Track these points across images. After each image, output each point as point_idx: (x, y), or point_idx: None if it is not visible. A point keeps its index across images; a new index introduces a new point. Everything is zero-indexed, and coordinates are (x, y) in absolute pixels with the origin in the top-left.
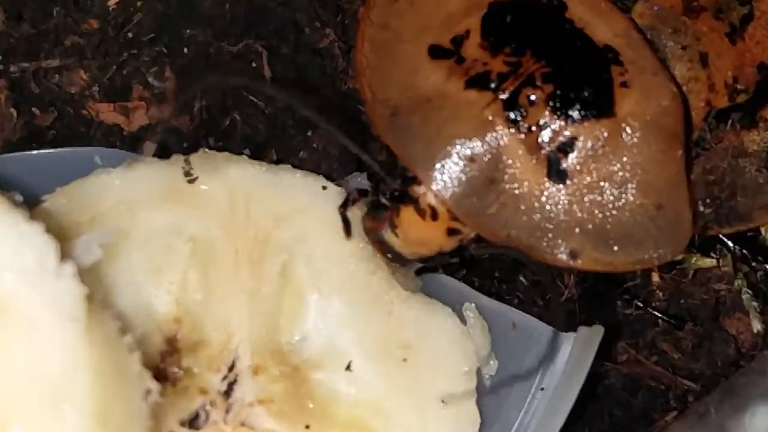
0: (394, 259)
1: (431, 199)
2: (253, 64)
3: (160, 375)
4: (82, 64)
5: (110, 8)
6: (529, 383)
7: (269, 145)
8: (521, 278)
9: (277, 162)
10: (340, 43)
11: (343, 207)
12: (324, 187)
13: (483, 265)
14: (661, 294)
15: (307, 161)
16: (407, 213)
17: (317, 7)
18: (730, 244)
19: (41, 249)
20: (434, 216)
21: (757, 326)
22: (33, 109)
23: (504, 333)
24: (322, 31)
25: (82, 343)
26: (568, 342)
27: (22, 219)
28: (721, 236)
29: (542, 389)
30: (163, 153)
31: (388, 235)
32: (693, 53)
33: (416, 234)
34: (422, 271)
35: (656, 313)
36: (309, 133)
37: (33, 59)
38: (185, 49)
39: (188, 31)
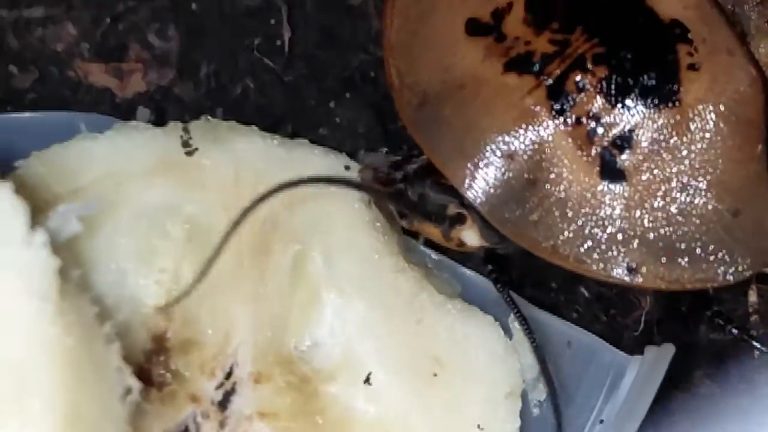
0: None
1: (467, 239)
2: (272, 21)
3: (144, 377)
4: (70, 16)
5: None
6: (586, 413)
7: (286, 119)
8: (582, 289)
9: (293, 136)
10: (376, 1)
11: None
12: (347, 167)
13: (537, 272)
14: (757, 317)
15: (328, 137)
16: (431, 229)
17: None
18: None
19: (7, 212)
20: (460, 245)
21: None
22: (11, 67)
23: (558, 352)
24: None
25: (52, 326)
26: (634, 366)
27: None
28: None
29: (601, 421)
30: (159, 120)
31: (403, 222)
32: None
33: (434, 239)
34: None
35: (751, 340)
36: (332, 105)
37: (13, 7)
38: (193, 4)
39: None
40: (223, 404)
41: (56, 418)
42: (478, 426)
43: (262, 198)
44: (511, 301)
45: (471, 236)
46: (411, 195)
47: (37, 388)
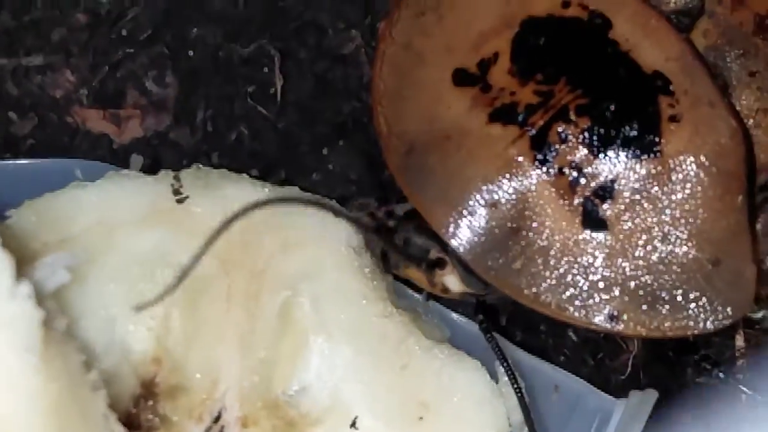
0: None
1: (449, 284)
2: (265, 70)
3: (132, 421)
4: (69, 64)
5: (103, 1)
6: None
7: (279, 164)
8: (570, 333)
9: (287, 182)
10: (367, 49)
11: (377, 234)
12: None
13: (526, 316)
14: (743, 362)
15: (321, 183)
16: (416, 274)
17: (342, 5)
18: None
19: None
20: (444, 291)
21: None
22: (10, 113)
23: (545, 396)
24: (346, 34)
25: (36, 376)
26: (618, 410)
27: None
28: None
29: None
30: (153, 168)
31: (395, 269)
32: (764, 80)
33: (420, 283)
34: (429, 298)
35: (739, 384)
36: (324, 152)
37: (13, 56)
38: (190, 51)
39: (194, 29)
40: None
41: None
42: None
43: (240, 213)
44: (498, 351)
45: (453, 282)
46: (396, 239)
47: None
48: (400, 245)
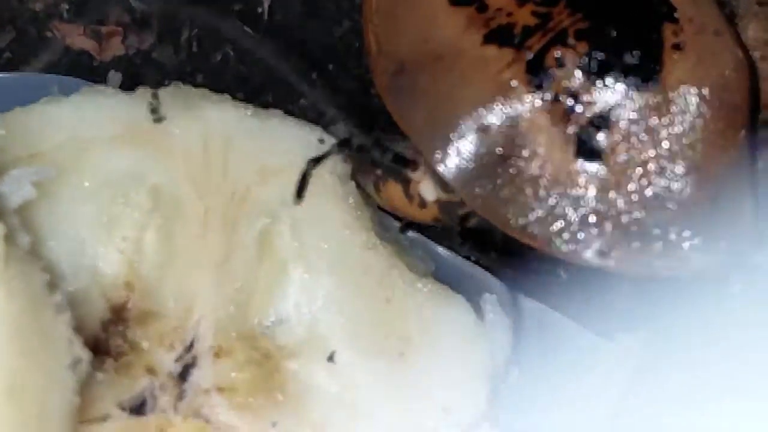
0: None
1: (424, 192)
2: None
3: (100, 346)
4: None
5: None
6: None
7: (265, 89)
8: (561, 271)
9: (272, 107)
10: None
11: (315, 161)
12: (321, 141)
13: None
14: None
15: (308, 109)
16: (393, 188)
17: None
18: None
19: None
20: (422, 205)
21: None
22: None
23: (529, 332)
24: None
25: None
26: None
27: None
28: None
29: None
30: (136, 85)
31: (369, 189)
32: None
33: (400, 207)
34: (406, 228)
35: None
36: (313, 76)
37: None
38: None
39: None
40: (182, 377)
41: None
42: (443, 408)
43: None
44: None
45: (428, 189)
46: (375, 153)
47: None
48: (378, 158)
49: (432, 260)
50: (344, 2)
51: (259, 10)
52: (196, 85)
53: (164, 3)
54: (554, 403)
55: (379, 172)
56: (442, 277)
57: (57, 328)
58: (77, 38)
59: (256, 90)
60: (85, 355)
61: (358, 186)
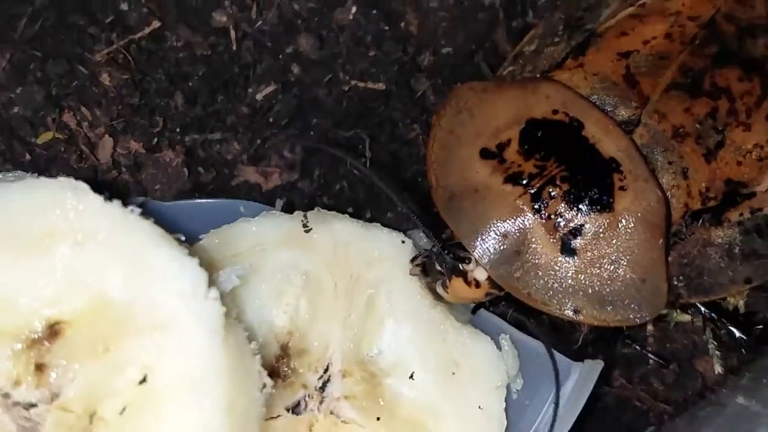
0: (443, 300)
1: (477, 275)
2: (360, 147)
3: (274, 373)
4: (237, 138)
5: (258, 99)
6: (545, 397)
7: (366, 207)
8: (546, 319)
9: (371, 220)
10: (424, 136)
11: (414, 259)
12: (403, 241)
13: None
14: (652, 339)
15: (392, 220)
16: (457, 282)
17: (409, 107)
18: (701, 307)
19: (196, 278)
20: (477, 285)
21: (718, 369)
22: (199, 168)
23: (530, 359)
24: (410, 126)
25: (220, 349)
26: (576, 370)
27: (183, 254)
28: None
29: (555, 404)
30: (288, 208)
31: (439, 289)
32: (677, 167)
33: (463, 294)
34: (476, 309)
35: (648, 354)
36: (405, 196)
37: (202, 132)
38: (311, 132)
39: (314, 120)
40: (322, 389)
41: (220, 408)
42: (479, 407)
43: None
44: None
45: (479, 272)
46: (438, 263)
47: (209, 389)
48: (443, 261)
49: (469, 313)
50: (414, 156)
51: (363, 160)
52: (324, 204)
53: (303, 154)
54: (544, 401)
55: (444, 273)
56: (476, 325)
57: (253, 366)
58: (252, 175)
59: (360, 207)
60: (268, 381)
61: (429, 288)
